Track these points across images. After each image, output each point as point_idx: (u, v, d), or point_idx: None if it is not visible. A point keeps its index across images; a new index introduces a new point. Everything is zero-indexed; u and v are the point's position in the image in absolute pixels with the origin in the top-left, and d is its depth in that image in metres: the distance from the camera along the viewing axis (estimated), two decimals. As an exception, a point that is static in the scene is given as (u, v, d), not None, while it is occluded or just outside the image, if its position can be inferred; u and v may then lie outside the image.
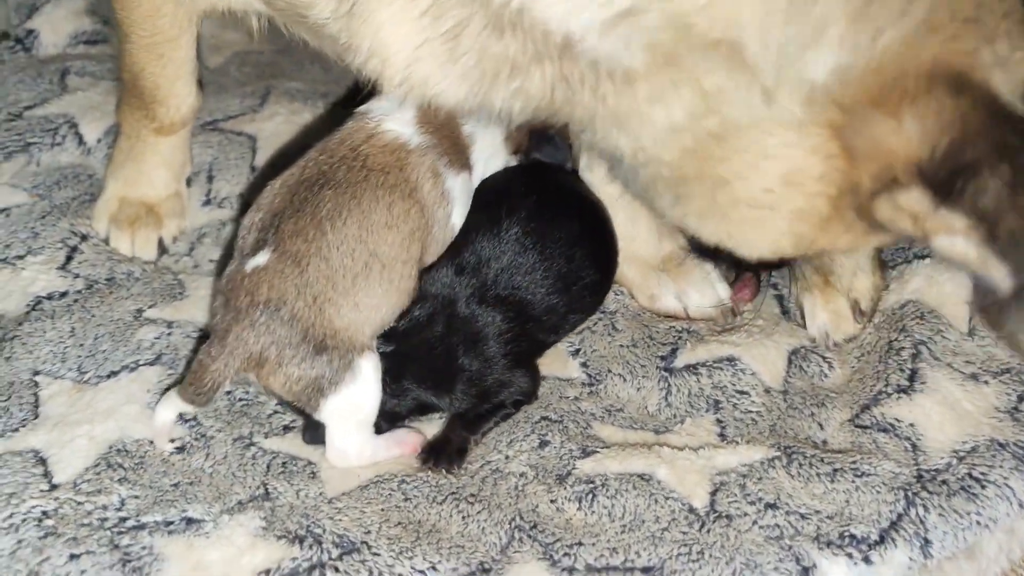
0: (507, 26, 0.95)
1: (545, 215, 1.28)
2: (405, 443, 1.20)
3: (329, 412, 1.13)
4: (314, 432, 1.18)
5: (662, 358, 1.32)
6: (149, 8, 1.28)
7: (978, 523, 1.12)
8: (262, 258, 1.13)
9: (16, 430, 1.17)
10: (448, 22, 0.97)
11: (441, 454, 1.19)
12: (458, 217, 1.24)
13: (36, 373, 1.23)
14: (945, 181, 0.87)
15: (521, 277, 1.25)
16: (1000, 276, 0.87)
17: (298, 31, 1.21)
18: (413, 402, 1.21)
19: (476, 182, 1.28)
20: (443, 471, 1.17)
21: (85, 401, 1.20)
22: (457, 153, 1.23)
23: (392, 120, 1.21)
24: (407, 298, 1.19)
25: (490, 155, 1.27)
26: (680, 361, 1.32)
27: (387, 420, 1.20)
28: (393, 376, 1.18)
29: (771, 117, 0.91)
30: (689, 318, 1.39)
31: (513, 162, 1.33)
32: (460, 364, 1.21)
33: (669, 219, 1.07)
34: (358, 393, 1.13)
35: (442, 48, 0.99)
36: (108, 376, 1.24)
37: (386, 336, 1.19)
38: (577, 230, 1.30)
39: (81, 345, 1.27)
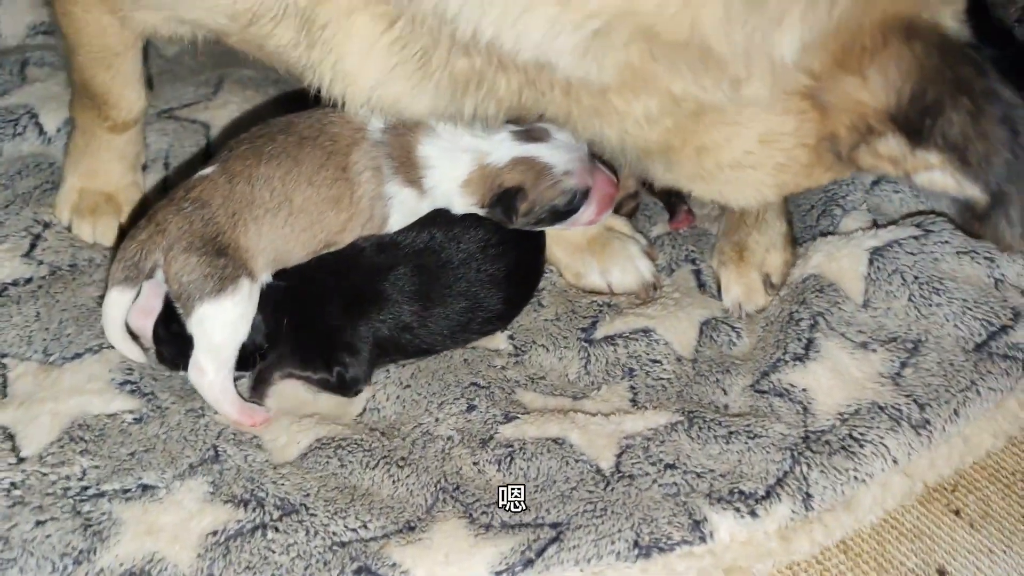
0: (473, 50, 1.00)
1: (473, 238, 1.36)
2: (251, 416, 1.28)
3: (200, 318, 1.24)
4: (174, 352, 1.28)
5: (583, 330, 1.43)
6: (96, 28, 1.31)
7: (855, 478, 1.22)
8: (209, 169, 1.30)
9: (-14, 410, 1.26)
10: (416, 47, 1.03)
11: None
12: (395, 226, 1.35)
13: (4, 356, 1.32)
14: (915, 123, 0.94)
15: (422, 279, 1.34)
16: (976, 194, 0.95)
17: (248, 51, 1.22)
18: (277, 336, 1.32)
19: (426, 207, 1.35)
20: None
21: (51, 380, 1.29)
22: (406, 167, 1.32)
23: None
24: (303, 253, 1.31)
25: (448, 190, 1.32)
26: (599, 333, 1.42)
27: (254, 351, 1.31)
28: (274, 307, 1.31)
29: (741, 99, 0.98)
30: (613, 293, 1.50)
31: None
32: (322, 316, 1.32)
33: (663, 183, 1.14)
34: (229, 309, 1.24)
35: (411, 69, 1.05)
36: (73, 358, 1.32)
37: (281, 274, 1.31)
38: (501, 269, 1.37)
39: (47, 329, 1.35)
